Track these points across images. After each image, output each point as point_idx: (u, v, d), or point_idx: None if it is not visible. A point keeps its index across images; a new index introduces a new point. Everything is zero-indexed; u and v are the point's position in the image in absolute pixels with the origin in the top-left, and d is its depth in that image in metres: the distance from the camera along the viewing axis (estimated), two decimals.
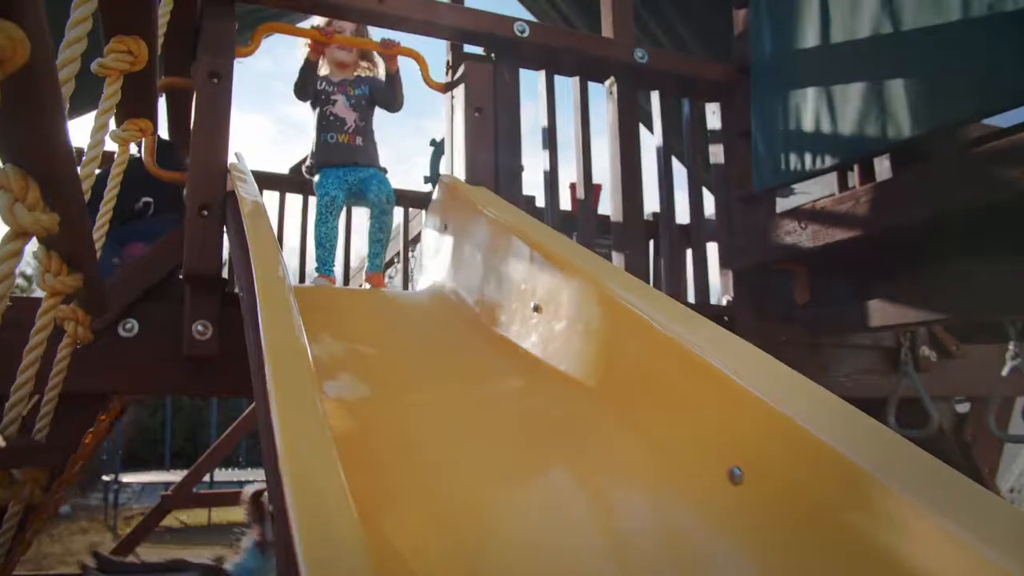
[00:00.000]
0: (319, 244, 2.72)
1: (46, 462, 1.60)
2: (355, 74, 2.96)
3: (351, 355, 1.79)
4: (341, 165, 2.82)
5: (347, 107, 2.86)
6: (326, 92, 2.87)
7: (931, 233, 2.27)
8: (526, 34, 2.67)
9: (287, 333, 1.08)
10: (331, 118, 2.85)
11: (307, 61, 2.83)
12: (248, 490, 4.09)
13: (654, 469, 1.28)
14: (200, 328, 2.20)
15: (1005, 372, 2.32)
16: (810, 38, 2.58)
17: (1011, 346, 2.31)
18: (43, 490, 1.69)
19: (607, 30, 3.04)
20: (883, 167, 2.94)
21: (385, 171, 2.95)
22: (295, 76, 2.86)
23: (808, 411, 1.06)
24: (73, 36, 1.01)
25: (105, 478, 14.65)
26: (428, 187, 3.48)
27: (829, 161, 2.48)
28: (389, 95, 2.93)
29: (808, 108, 2.56)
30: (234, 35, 2.27)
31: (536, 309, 1.77)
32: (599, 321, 1.55)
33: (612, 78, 2.92)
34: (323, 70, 2.92)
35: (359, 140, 2.84)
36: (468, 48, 2.85)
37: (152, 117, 1.81)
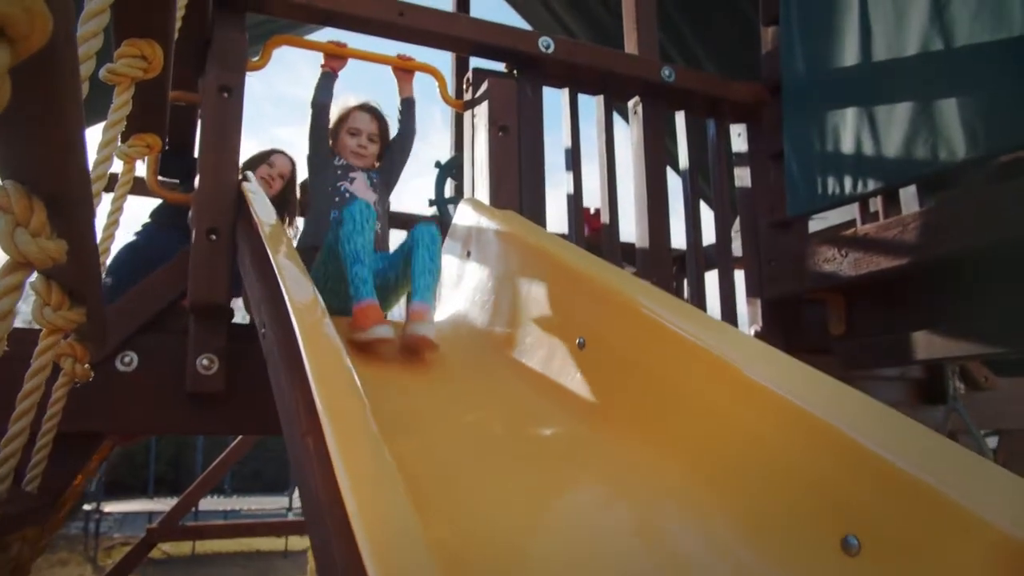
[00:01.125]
0: (355, 260, 1.91)
1: (39, 521, 1.42)
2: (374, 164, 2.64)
3: (388, 408, 1.62)
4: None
5: (367, 187, 2.52)
6: (343, 168, 2.53)
7: (982, 262, 2.14)
8: (551, 50, 2.54)
9: (347, 394, 0.91)
10: (346, 196, 2.46)
11: (324, 75, 2.58)
12: None
13: (743, 533, 1.12)
14: (205, 362, 2.03)
15: None
16: (849, 55, 2.47)
17: None
18: (33, 547, 1.50)
19: (631, 47, 2.92)
20: (908, 195, 2.84)
21: None
22: (311, 93, 2.61)
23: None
24: (89, 29, 0.85)
25: (86, 507, 14.25)
26: (432, 210, 3.31)
27: (872, 185, 2.35)
28: (408, 127, 2.65)
29: (848, 129, 2.43)
30: (246, 47, 2.12)
31: (582, 346, 1.62)
32: (662, 361, 1.40)
33: (637, 97, 2.79)
34: (337, 158, 2.57)
35: (378, 227, 2.36)
36: (481, 64, 2.71)
37: (161, 132, 1.65)
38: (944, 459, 0.95)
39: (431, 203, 3.42)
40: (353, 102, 2.65)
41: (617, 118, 2.88)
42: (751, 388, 1.17)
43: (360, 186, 2.52)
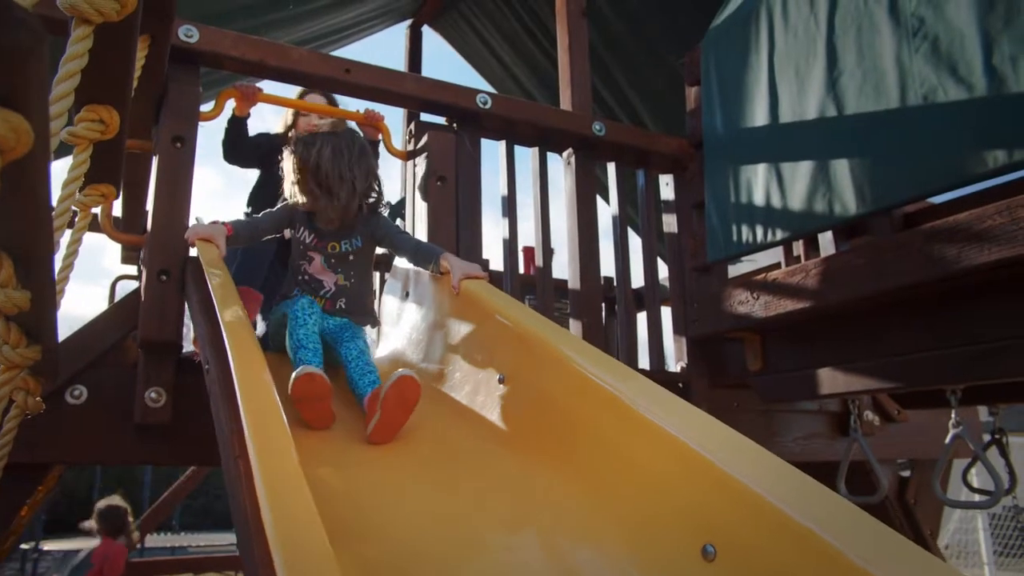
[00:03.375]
0: (300, 347, 1.96)
1: None
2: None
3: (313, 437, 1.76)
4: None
5: (324, 267, 2.24)
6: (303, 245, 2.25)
7: (877, 305, 2.36)
8: (488, 106, 2.74)
9: (270, 418, 1.06)
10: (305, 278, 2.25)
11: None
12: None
13: (626, 546, 1.28)
14: (154, 395, 2.14)
15: (948, 440, 2.40)
16: (760, 116, 2.71)
17: (953, 414, 2.40)
18: None
19: (565, 103, 3.13)
20: (826, 239, 3.08)
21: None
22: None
23: (769, 482, 1.09)
24: (55, 111, 1.01)
25: (23, 546, 13.77)
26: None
27: (780, 234, 2.58)
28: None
29: (759, 183, 2.67)
30: (199, 99, 2.28)
31: (502, 381, 1.78)
32: (567, 395, 1.56)
33: (571, 149, 3.00)
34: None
35: (342, 303, 2.22)
36: (427, 118, 2.90)
37: (116, 182, 1.79)
38: (787, 483, 1.10)
39: None
40: None
41: (556, 162, 3.09)
42: (635, 420, 1.34)
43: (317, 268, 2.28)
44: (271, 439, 0.96)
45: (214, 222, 2.16)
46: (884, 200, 2.24)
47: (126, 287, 4.70)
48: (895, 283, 2.17)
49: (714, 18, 3.08)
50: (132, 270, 4.34)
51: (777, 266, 3.87)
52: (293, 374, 1.75)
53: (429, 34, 5.31)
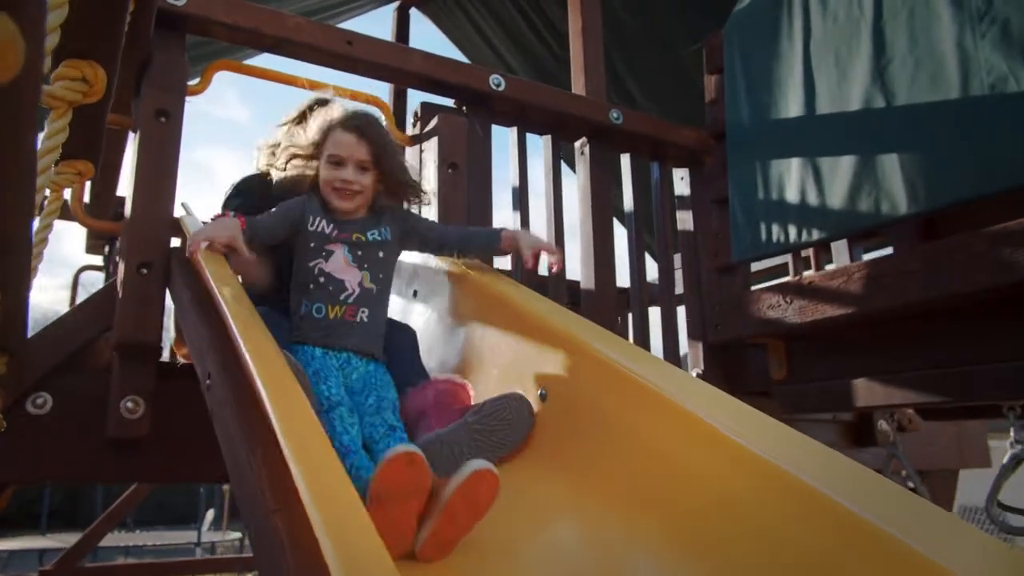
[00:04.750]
0: (350, 453, 1.40)
1: None
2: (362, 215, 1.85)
3: None
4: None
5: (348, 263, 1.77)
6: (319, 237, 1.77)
7: (925, 313, 2.20)
8: (502, 88, 2.51)
9: (330, 471, 0.82)
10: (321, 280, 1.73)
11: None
12: None
13: None
14: (130, 405, 1.88)
15: (1006, 460, 2.24)
16: (793, 107, 2.52)
17: (1012, 432, 2.24)
18: None
19: (578, 88, 2.92)
20: (838, 245, 2.91)
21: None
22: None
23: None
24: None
25: None
26: None
27: (817, 234, 2.39)
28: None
29: (792, 178, 2.48)
30: (186, 70, 2.01)
31: (543, 397, 1.56)
32: (625, 411, 1.35)
33: (584, 138, 2.78)
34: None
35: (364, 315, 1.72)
36: (424, 98, 2.65)
37: (95, 158, 1.52)
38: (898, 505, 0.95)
39: None
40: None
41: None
42: (708, 435, 1.14)
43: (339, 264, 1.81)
44: (343, 512, 0.73)
45: (218, 216, 1.76)
46: (942, 198, 2.06)
47: (92, 280, 4.37)
48: (955, 289, 1.99)
49: (737, 2, 2.89)
50: (98, 260, 4.01)
51: (778, 269, 3.74)
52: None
53: (417, 17, 5.04)
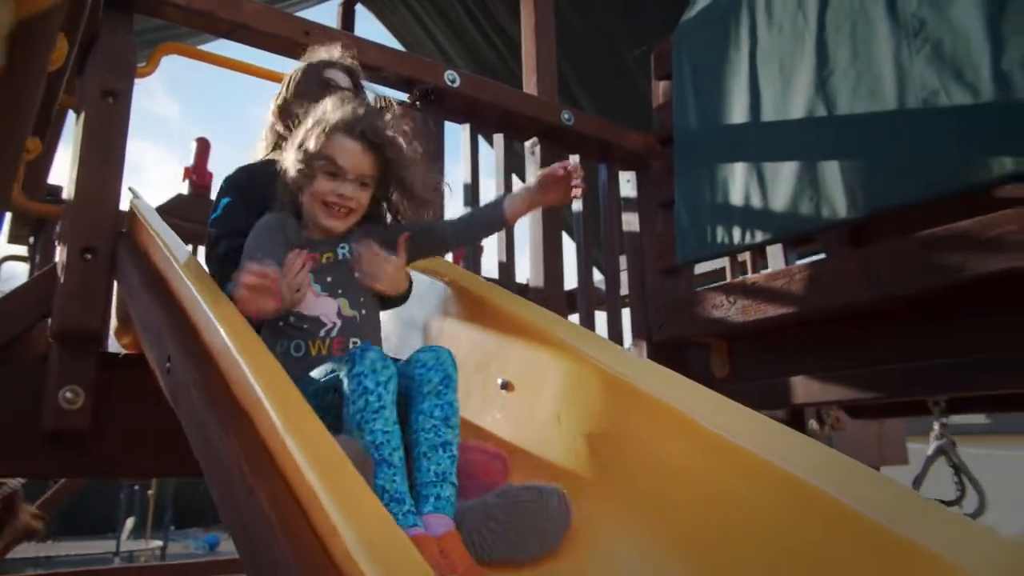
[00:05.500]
0: (382, 459, 1.19)
1: None
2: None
3: None
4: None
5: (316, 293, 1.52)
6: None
7: (860, 314, 2.29)
8: (457, 84, 2.51)
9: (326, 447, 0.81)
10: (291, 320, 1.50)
11: None
12: None
13: None
14: (69, 395, 1.80)
15: (930, 452, 2.36)
16: (738, 114, 2.60)
17: (936, 426, 2.35)
18: None
19: (530, 88, 2.95)
20: (774, 251, 3.01)
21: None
22: None
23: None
24: None
25: None
26: None
27: (760, 236, 2.47)
28: None
29: (737, 183, 2.56)
30: (135, 50, 1.94)
31: (506, 387, 1.57)
32: (597, 403, 1.37)
33: (535, 138, 2.81)
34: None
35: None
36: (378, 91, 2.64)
37: (43, 134, 1.46)
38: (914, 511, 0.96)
39: None
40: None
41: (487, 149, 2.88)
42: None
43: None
44: (353, 497, 0.72)
45: (252, 268, 1.26)
46: (878, 204, 2.17)
47: (13, 273, 4.16)
48: (890, 291, 2.09)
49: (686, 11, 2.96)
50: (21, 250, 3.83)
51: (715, 273, 3.85)
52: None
53: (363, 14, 5.00)
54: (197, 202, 3.85)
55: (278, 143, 1.89)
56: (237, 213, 1.68)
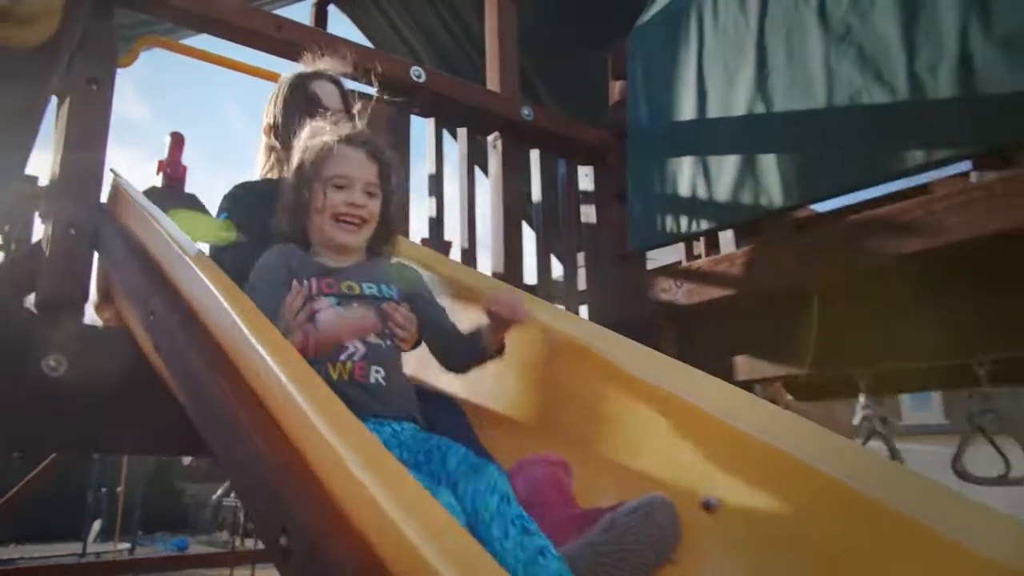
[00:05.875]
0: None
1: None
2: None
3: None
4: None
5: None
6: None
7: (794, 294, 2.48)
8: (422, 79, 2.67)
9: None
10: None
11: None
12: None
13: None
14: (52, 363, 1.90)
15: (856, 421, 2.56)
16: (686, 111, 2.79)
17: (861, 398, 2.55)
18: None
19: (493, 85, 3.11)
20: (726, 236, 3.21)
21: None
22: None
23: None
24: None
25: None
26: None
27: (705, 224, 2.66)
28: None
29: (684, 175, 2.74)
30: (116, 40, 2.07)
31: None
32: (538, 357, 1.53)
33: (497, 133, 2.97)
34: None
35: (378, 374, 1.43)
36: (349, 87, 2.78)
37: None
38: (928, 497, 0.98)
39: None
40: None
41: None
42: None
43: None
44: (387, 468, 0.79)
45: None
46: (810, 194, 2.36)
47: None
48: (818, 273, 2.29)
49: (640, 15, 3.15)
50: None
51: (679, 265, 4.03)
52: None
53: (336, 15, 5.15)
54: (171, 194, 3.95)
55: (278, 159, 1.99)
56: (237, 227, 1.74)
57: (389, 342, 1.47)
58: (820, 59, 2.37)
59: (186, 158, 4.38)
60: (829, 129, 2.33)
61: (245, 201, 1.83)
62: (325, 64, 2.07)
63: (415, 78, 2.65)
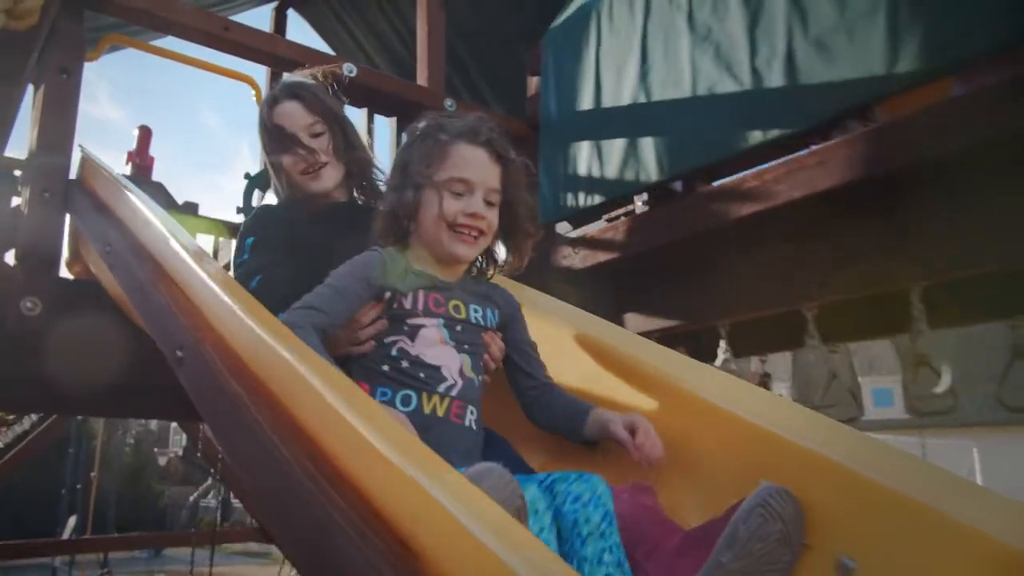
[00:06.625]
0: None
1: None
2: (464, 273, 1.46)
3: None
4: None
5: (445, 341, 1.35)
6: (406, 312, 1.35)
7: (670, 255, 2.92)
8: (354, 74, 3.07)
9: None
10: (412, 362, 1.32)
11: None
12: None
13: None
14: (29, 305, 2.30)
15: (717, 363, 2.97)
16: (586, 103, 3.23)
17: (722, 343, 2.97)
18: None
19: (422, 79, 3.53)
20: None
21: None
22: None
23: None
24: None
25: None
26: (241, 217, 3.71)
27: (598, 199, 3.09)
28: None
29: (583, 157, 3.18)
30: (84, 36, 2.47)
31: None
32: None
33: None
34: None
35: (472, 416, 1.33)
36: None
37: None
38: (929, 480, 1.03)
39: (239, 211, 3.79)
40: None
41: None
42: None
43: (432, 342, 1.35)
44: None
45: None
46: (677, 170, 2.80)
47: None
48: (683, 234, 2.72)
49: (554, 19, 3.59)
50: None
51: None
52: None
53: (296, 19, 5.52)
54: (138, 180, 4.33)
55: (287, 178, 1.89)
56: (264, 249, 1.73)
57: (481, 378, 1.33)
58: (687, 56, 2.82)
59: (161, 154, 4.76)
60: (693, 115, 2.77)
61: (267, 221, 1.84)
62: (295, 79, 1.99)
63: (347, 73, 3.06)
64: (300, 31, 5.84)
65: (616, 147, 3.04)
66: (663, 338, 3.81)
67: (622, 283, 3.10)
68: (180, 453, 20.72)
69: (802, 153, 2.43)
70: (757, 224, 2.53)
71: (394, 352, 1.28)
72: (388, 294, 1.33)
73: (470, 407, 1.29)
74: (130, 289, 1.60)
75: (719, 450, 1.28)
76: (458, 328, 1.33)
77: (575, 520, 1.06)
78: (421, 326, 1.30)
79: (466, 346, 1.33)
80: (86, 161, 2.28)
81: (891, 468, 1.04)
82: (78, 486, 15.83)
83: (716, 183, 2.69)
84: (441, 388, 1.26)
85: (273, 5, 5.45)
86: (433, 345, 1.29)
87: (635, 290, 3.07)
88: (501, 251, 1.49)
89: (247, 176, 3.82)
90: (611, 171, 3.04)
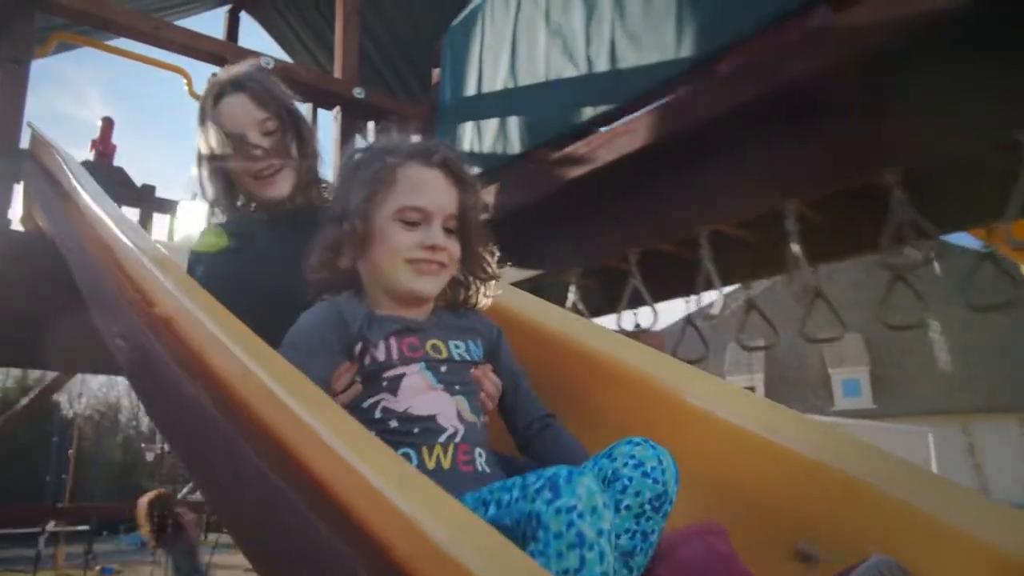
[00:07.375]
0: None
1: None
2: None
3: None
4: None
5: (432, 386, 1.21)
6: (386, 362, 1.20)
7: (530, 213, 3.47)
8: (271, 66, 3.62)
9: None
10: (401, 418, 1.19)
11: None
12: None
13: None
14: None
15: (568, 304, 3.51)
16: (471, 91, 3.80)
17: (572, 288, 3.49)
18: None
19: (337, 71, 4.09)
20: None
21: None
22: None
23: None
24: None
25: None
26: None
27: (477, 170, 3.65)
28: None
29: (467, 136, 3.75)
30: (34, 32, 3.02)
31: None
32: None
33: (338, 107, 3.95)
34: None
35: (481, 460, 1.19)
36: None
37: None
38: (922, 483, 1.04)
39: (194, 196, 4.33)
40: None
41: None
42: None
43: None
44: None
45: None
46: (532, 142, 3.37)
47: None
48: (534, 196, 3.29)
49: (455, 19, 4.16)
50: None
51: None
52: None
53: (248, 21, 6.01)
54: (100, 166, 4.86)
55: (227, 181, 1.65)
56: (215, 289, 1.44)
57: (482, 419, 1.21)
58: (543, 50, 3.39)
59: (152, 152, 5.26)
60: (545, 97, 3.34)
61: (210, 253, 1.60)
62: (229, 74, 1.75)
63: (265, 65, 3.61)
64: (253, 34, 6.37)
65: (491, 126, 3.61)
66: (533, 288, 4.44)
67: (501, 239, 3.65)
68: (167, 448, 21.14)
69: (617, 124, 3.00)
70: (588, 183, 3.09)
71: (378, 414, 1.15)
72: (359, 347, 1.18)
73: (478, 449, 1.16)
74: (71, 253, 2.13)
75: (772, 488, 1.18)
76: (443, 369, 1.20)
77: (623, 486, 1.00)
78: (402, 375, 1.17)
79: (457, 386, 1.19)
80: (36, 138, 2.83)
81: (888, 473, 1.07)
82: (63, 476, 16.36)
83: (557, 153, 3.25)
84: (442, 439, 1.14)
85: (227, 8, 5.97)
86: (421, 393, 1.16)
87: (504, 247, 3.61)
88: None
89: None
90: (486, 146, 3.61)
